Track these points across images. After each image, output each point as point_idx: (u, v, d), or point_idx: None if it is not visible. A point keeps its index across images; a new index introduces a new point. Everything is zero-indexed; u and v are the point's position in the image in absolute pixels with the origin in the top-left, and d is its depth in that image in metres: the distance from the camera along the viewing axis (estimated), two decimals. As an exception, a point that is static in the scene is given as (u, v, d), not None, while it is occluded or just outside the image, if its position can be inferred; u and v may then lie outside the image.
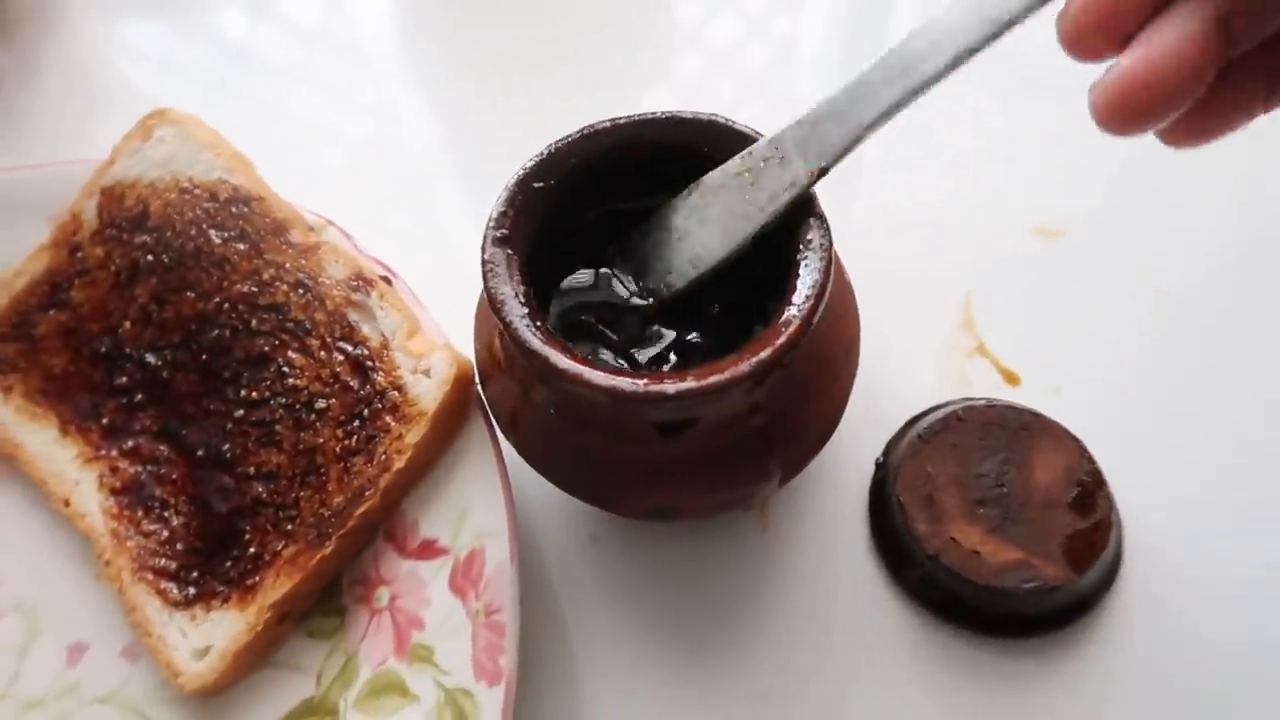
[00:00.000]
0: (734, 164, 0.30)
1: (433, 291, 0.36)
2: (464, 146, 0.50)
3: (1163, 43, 0.21)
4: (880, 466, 0.36)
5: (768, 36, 0.52)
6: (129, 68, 0.53)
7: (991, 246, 0.41)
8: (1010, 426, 0.35)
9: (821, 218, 0.29)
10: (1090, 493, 0.33)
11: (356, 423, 0.33)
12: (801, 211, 0.29)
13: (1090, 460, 0.34)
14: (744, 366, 0.26)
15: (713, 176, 0.30)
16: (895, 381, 0.38)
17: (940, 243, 0.42)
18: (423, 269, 0.37)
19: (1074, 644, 0.33)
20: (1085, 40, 0.22)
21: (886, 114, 0.27)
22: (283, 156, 0.39)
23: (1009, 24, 0.25)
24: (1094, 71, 0.22)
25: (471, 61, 0.52)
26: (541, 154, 0.31)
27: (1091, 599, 0.33)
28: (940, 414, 0.35)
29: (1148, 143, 0.45)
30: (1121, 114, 0.21)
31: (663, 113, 0.31)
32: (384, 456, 0.33)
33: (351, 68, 0.52)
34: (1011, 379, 0.38)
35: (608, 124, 0.31)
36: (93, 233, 0.38)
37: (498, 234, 0.30)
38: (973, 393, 0.37)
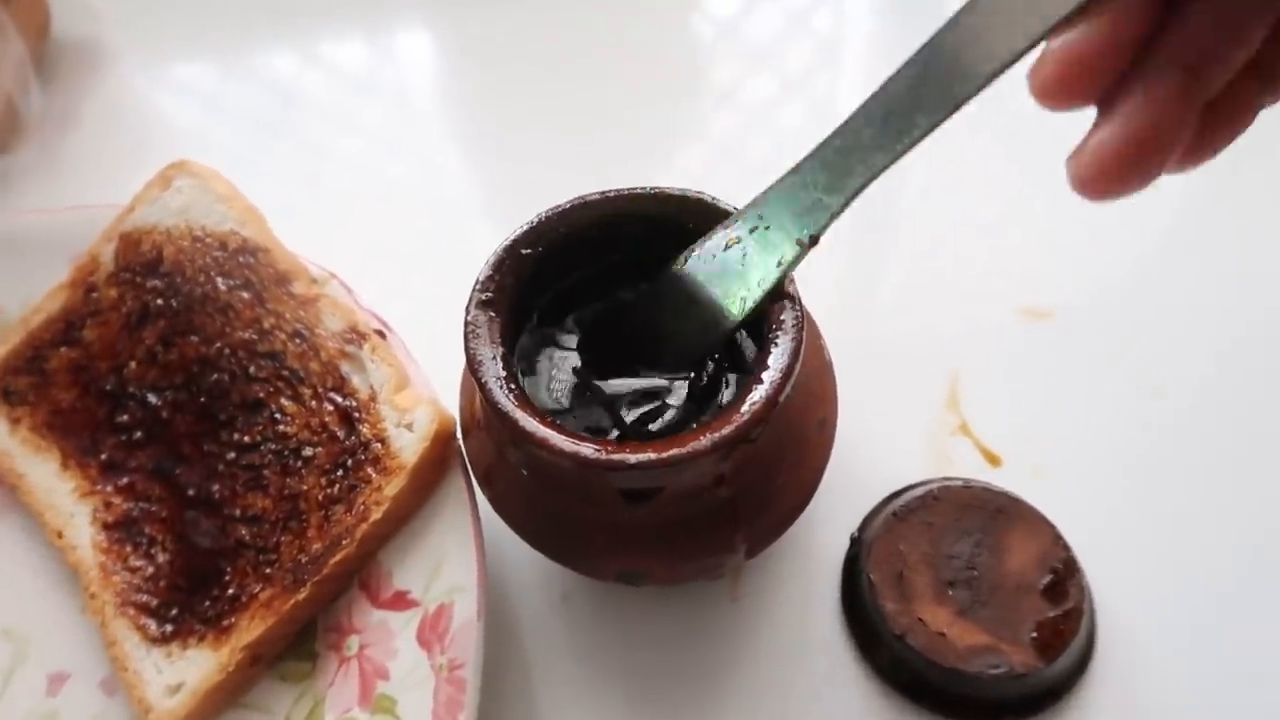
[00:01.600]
0: (718, 240, 0.30)
1: (439, 345, 0.37)
2: (493, 202, 0.51)
3: (1137, 108, 0.20)
4: (855, 542, 0.36)
5: (804, 96, 0.53)
6: (169, 111, 0.55)
7: (979, 326, 0.42)
8: (986, 509, 0.35)
9: (795, 299, 0.29)
10: (1063, 580, 0.33)
11: (340, 472, 0.34)
12: (775, 291, 0.30)
13: (1065, 547, 0.34)
14: (704, 441, 0.27)
15: (697, 263, 0.30)
16: (876, 457, 0.38)
17: (928, 320, 0.42)
18: (431, 323, 0.38)
19: (1041, 733, 0.32)
20: (1057, 93, 0.22)
21: (874, 176, 0.26)
22: (309, 206, 0.41)
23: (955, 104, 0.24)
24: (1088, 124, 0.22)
25: (508, 116, 0.53)
26: (532, 222, 0.32)
27: (1061, 688, 0.33)
28: (918, 492, 0.35)
29: (1141, 228, 0.45)
30: (1103, 185, 0.21)
31: (650, 188, 0.32)
32: (362, 507, 0.33)
33: (392, 119, 0.54)
34: (993, 460, 0.38)
35: (597, 196, 0.32)
36: (109, 275, 0.39)
37: (482, 297, 0.31)
38: (954, 471, 0.37)
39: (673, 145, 0.52)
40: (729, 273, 0.30)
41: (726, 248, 0.30)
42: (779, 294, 0.29)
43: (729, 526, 0.30)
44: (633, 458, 0.27)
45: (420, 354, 0.37)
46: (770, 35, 0.55)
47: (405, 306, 0.39)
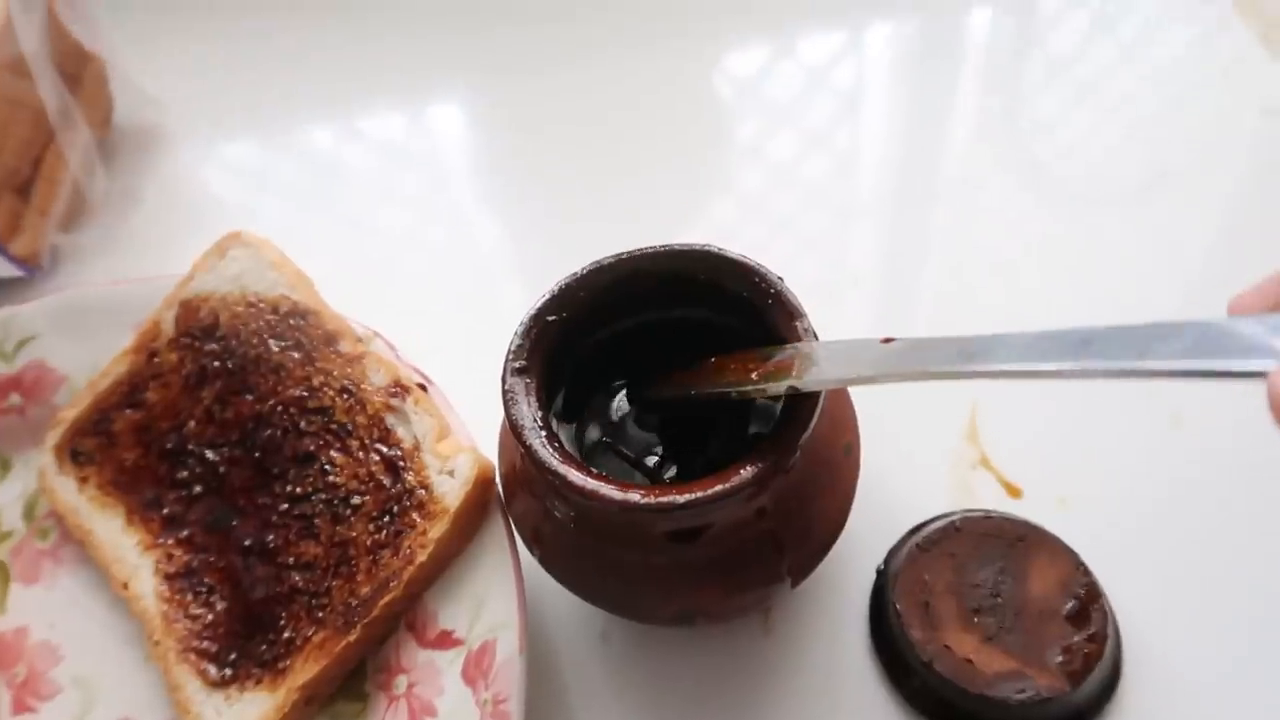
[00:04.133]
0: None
1: (477, 398, 0.38)
2: (528, 260, 0.53)
3: None
4: (880, 574, 0.37)
5: (826, 150, 0.55)
6: (222, 187, 0.58)
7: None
8: (1007, 538, 0.36)
9: (811, 333, 0.31)
10: (1086, 605, 0.34)
11: (387, 518, 0.36)
12: (794, 328, 0.31)
13: (1086, 573, 0.35)
14: (744, 475, 0.29)
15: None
16: (900, 491, 0.39)
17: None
18: (469, 377, 0.39)
19: (1072, 759, 0.33)
20: None
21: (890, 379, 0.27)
22: (352, 271, 0.44)
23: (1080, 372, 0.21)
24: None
25: (537, 179, 0.56)
26: (554, 290, 0.34)
27: (1088, 712, 0.33)
28: (940, 523, 0.37)
29: (1160, 263, 0.46)
30: None
31: (660, 246, 0.34)
32: (409, 550, 0.35)
33: (427, 187, 0.57)
34: (1014, 491, 0.39)
35: (612, 259, 0.34)
36: (169, 340, 0.42)
37: (516, 365, 0.33)
38: (975, 503, 0.39)
39: (699, 202, 0.54)
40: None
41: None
42: (795, 329, 0.31)
43: (775, 556, 0.31)
44: (681, 497, 0.28)
45: (459, 406, 0.39)
46: (791, 93, 0.58)
47: (444, 362, 0.41)
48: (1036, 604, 0.34)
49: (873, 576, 0.37)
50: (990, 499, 0.39)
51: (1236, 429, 0.40)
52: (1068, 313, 0.44)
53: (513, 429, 0.31)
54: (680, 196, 0.54)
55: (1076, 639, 0.33)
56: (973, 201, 0.51)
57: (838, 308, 0.47)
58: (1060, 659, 0.33)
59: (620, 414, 0.36)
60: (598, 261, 0.34)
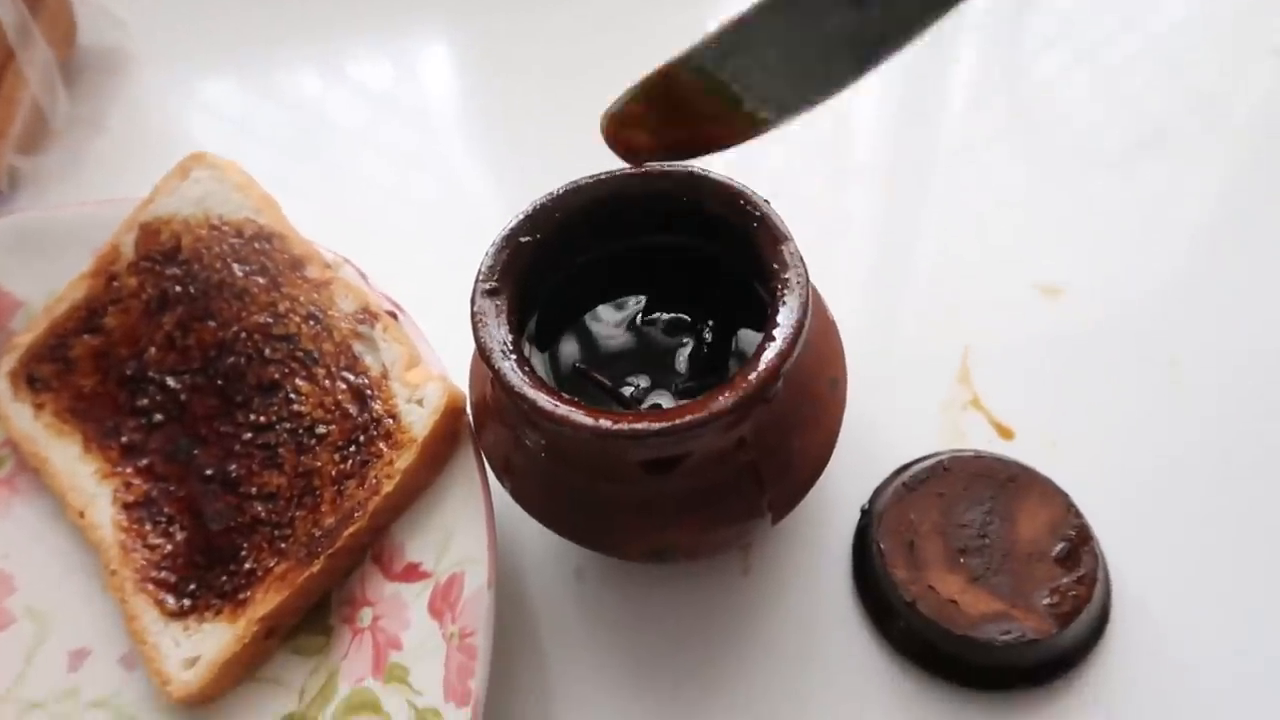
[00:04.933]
0: None
1: (452, 326, 0.36)
2: (508, 195, 0.51)
3: None
4: (865, 513, 0.36)
5: (823, 107, 0.53)
6: (189, 117, 0.56)
7: (992, 302, 0.42)
8: (997, 478, 0.34)
9: (798, 256, 0.30)
10: (1076, 547, 0.33)
11: (352, 448, 0.35)
12: (779, 252, 0.30)
13: (1077, 515, 0.33)
14: (723, 401, 0.27)
15: None
16: (888, 431, 0.38)
17: (941, 296, 0.42)
18: (442, 310, 0.37)
19: (1057, 701, 0.32)
20: None
21: None
22: (323, 198, 0.42)
23: None
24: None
25: (525, 118, 0.54)
26: (528, 210, 0.32)
27: (1075, 655, 0.32)
28: (927, 463, 0.35)
29: (1152, 211, 0.45)
30: None
31: (640, 168, 0.32)
32: (374, 480, 0.34)
33: (415, 131, 0.55)
34: (1005, 433, 0.38)
35: (590, 179, 0.33)
36: (129, 264, 0.40)
37: (486, 286, 0.31)
38: (966, 445, 0.37)
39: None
40: None
41: None
42: (780, 253, 0.30)
43: (755, 490, 0.30)
44: (655, 425, 0.27)
45: (433, 337, 0.37)
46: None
47: (418, 293, 0.39)
48: (1025, 546, 0.33)
49: (857, 516, 0.36)
50: (981, 440, 0.37)
51: (1233, 375, 0.39)
52: (1050, 248, 0.43)
53: (481, 352, 0.29)
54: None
55: (1065, 581, 0.32)
56: (965, 137, 0.49)
57: (831, 269, 0.45)
58: (1048, 601, 0.32)
59: (597, 340, 0.35)
60: (575, 182, 0.33)
